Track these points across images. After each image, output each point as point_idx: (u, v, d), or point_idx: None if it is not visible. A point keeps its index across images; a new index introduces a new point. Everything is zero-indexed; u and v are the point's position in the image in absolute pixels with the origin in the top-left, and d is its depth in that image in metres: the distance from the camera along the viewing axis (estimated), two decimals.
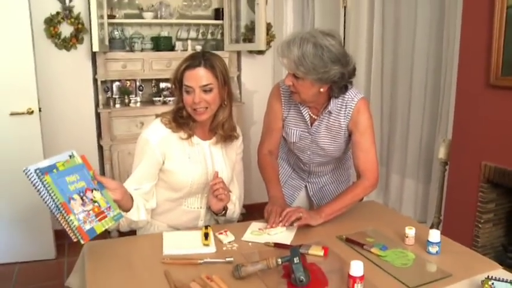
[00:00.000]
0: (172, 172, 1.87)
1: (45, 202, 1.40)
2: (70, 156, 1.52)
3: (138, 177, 1.85)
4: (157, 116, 1.93)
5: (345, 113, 1.96)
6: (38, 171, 1.38)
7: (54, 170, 1.43)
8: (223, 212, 1.96)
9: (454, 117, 2.67)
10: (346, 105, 1.95)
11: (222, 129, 1.93)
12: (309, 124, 2.02)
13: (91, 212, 1.48)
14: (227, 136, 1.96)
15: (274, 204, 1.94)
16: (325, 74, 1.79)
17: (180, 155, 1.88)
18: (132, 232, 1.96)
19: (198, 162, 1.91)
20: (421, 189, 3.41)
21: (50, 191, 1.39)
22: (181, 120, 1.86)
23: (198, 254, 1.61)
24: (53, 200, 1.40)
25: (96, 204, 1.51)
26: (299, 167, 2.24)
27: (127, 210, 1.71)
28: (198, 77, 1.78)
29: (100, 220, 1.50)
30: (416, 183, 3.44)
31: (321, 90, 1.86)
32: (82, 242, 1.43)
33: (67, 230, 1.42)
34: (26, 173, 1.37)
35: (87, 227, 1.45)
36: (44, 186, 1.39)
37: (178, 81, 1.83)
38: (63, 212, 1.40)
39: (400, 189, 3.56)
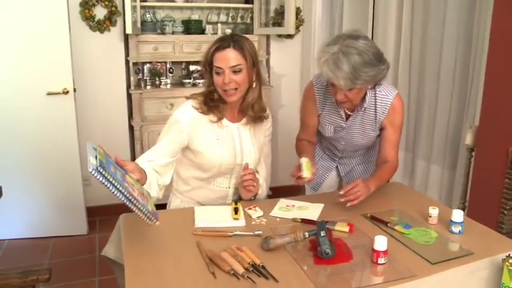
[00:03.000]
0: (201, 153, 1.93)
1: (117, 195, 1.39)
2: (94, 148, 1.46)
3: (159, 150, 1.91)
4: (187, 97, 1.98)
5: (380, 109, 2.01)
6: (99, 168, 1.35)
7: (104, 165, 1.40)
8: (253, 198, 2.02)
9: (482, 104, 2.66)
10: (381, 101, 2.00)
11: (252, 110, 1.97)
12: (345, 119, 2.06)
13: (139, 194, 1.49)
14: (257, 117, 2.01)
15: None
16: (379, 75, 1.83)
17: (209, 136, 1.93)
18: (162, 206, 2.02)
19: (227, 143, 1.96)
20: (446, 176, 3.41)
21: (116, 185, 1.38)
22: (212, 103, 1.92)
23: (228, 227, 1.68)
24: (121, 192, 1.39)
25: (135, 187, 1.52)
26: (330, 150, 2.29)
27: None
28: (228, 58, 1.83)
29: (147, 201, 1.53)
30: (442, 169, 3.44)
31: (369, 87, 1.92)
32: (157, 223, 1.48)
33: (141, 216, 1.44)
34: (93, 174, 1.34)
35: (150, 208, 1.48)
36: (109, 180, 1.37)
37: (208, 63, 1.89)
38: (133, 200, 1.41)
39: (426, 175, 3.57)
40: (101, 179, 1.35)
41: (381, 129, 2.07)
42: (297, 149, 2.23)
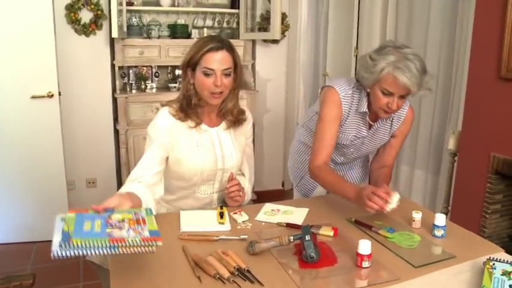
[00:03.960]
0: (182, 161, 1.89)
1: (98, 255, 1.25)
2: (62, 219, 1.35)
3: (147, 161, 1.85)
4: (162, 105, 1.93)
5: (396, 119, 2.07)
6: (61, 244, 1.21)
7: (70, 233, 1.26)
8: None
9: (465, 109, 2.70)
10: (398, 111, 2.01)
11: (231, 115, 1.95)
12: (368, 128, 2.08)
13: (131, 226, 1.36)
14: (236, 120, 1.98)
15: (364, 191, 1.73)
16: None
17: (188, 143, 1.89)
18: None
19: (207, 149, 1.92)
20: (430, 180, 3.45)
21: (89, 244, 1.23)
22: (189, 109, 1.87)
23: (213, 232, 1.68)
24: (100, 247, 1.24)
25: (125, 220, 1.39)
26: (331, 157, 2.27)
27: None
28: (221, 60, 1.80)
29: (144, 224, 1.39)
30: (426, 174, 3.47)
31: None
32: (159, 244, 1.31)
33: (137, 250, 1.28)
34: (58, 256, 1.21)
35: (146, 233, 1.33)
36: (80, 247, 1.22)
37: (193, 64, 1.83)
38: (118, 243, 1.26)
39: (410, 179, 3.60)
40: (68, 254, 1.21)
41: (391, 137, 2.14)
42: (320, 177, 1.99)
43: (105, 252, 1.25)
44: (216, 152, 1.94)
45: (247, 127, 2.07)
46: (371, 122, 2.06)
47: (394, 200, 1.67)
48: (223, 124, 1.97)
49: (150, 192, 1.78)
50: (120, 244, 1.26)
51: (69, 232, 1.25)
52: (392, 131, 2.11)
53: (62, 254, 1.20)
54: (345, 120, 2.04)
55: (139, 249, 1.28)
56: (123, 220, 1.38)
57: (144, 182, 1.80)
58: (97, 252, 1.24)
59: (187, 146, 1.89)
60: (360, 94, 2.00)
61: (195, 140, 1.91)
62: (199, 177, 1.93)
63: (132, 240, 1.27)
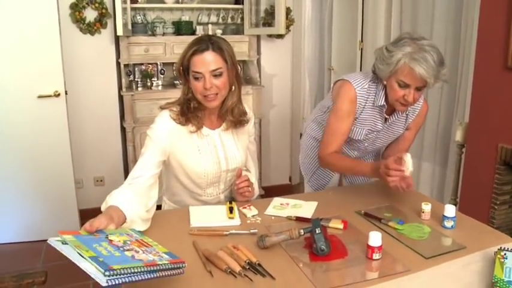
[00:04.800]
0: (185, 166, 1.88)
1: (140, 280, 1.17)
2: (62, 242, 1.29)
3: (144, 163, 1.78)
4: (162, 108, 1.89)
5: (412, 112, 2.08)
6: (106, 273, 1.10)
7: (100, 259, 1.17)
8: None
9: (471, 100, 2.69)
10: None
11: (231, 115, 1.90)
12: (383, 121, 2.07)
13: (141, 248, 1.32)
14: (237, 121, 1.93)
15: (380, 169, 1.78)
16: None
17: (189, 148, 1.87)
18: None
19: (209, 153, 1.90)
20: (437, 172, 3.44)
21: (130, 270, 1.15)
22: (190, 113, 1.83)
23: (223, 226, 1.69)
24: (141, 273, 1.17)
25: (128, 242, 1.34)
26: (344, 152, 2.24)
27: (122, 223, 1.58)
28: (207, 61, 1.74)
29: (146, 245, 1.35)
30: (433, 166, 3.47)
31: None
32: (186, 265, 1.28)
33: (170, 273, 1.24)
34: (111, 286, 1.12)
35: (165, 256, 1.30)
36: (126, 274, 1.14)
37: (184, 68, 1.80)
38: (153, 268, 1.20)
39: (417, 172, 3.60)
40: (119, 282, 1.12)
41: (405, 129, 2.14)
42: (332, 163, 2.03)
43: (146, 277, 1.18)
44: (219, 154, 1.93)
45: (249, 126, 2.04)
46: (386, 116, 2.06)
47: (409, 162, 1.71)
48: (224, 125, 1.94)
49: (142, 199, 1.68)
50: (155, 268, 1.20)
51: (98, 258, 1.17)
52: (408, 124, 2.12)
53: (114, 282, 1.11)
54: (360, 114, 2.03)
55: (171, 272, 1.24)
56: (124, 242, 1.34)
57: (140, 184, 1.73)
58: (140, 278, 1.16)
59: (189, 152, 1.87)
60: (376, 87, 1.99)
61: (197, 144, 1.88)
62: (203, 180, 1.92)
63: (163, 264, 1.23)
